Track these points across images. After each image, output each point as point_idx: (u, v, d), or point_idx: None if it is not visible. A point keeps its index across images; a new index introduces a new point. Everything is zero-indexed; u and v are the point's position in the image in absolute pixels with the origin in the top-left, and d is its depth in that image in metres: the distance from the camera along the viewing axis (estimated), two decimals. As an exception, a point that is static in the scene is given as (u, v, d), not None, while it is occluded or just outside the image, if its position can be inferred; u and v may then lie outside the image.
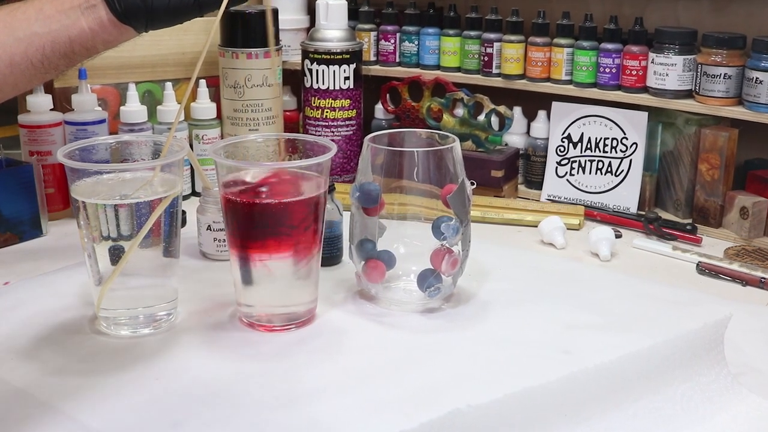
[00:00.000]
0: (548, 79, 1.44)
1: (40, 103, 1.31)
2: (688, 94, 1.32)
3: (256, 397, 0.83)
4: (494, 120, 1.45)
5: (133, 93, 1.38)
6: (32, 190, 1.24)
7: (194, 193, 1.45)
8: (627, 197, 1.39)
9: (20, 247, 1.22)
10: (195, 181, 1.45)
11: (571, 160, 1.43)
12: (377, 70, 1.58)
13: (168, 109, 1.41)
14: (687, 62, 1.30)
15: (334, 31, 1.45)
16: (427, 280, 0.99)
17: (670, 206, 1.39)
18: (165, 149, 0.95)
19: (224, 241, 1.15)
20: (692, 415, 0.81)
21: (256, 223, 0.94)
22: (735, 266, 1.15)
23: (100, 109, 1.39)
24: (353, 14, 1.57)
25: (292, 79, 1.60)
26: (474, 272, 1.10)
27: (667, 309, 1.03)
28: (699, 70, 1.29)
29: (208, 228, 1.16)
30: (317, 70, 1.44)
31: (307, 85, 1.48)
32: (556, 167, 1.45)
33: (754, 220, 1.26)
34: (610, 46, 1.37)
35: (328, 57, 1.44)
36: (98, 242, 0.93)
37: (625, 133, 1.38)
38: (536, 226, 1.28)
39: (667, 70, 1.31)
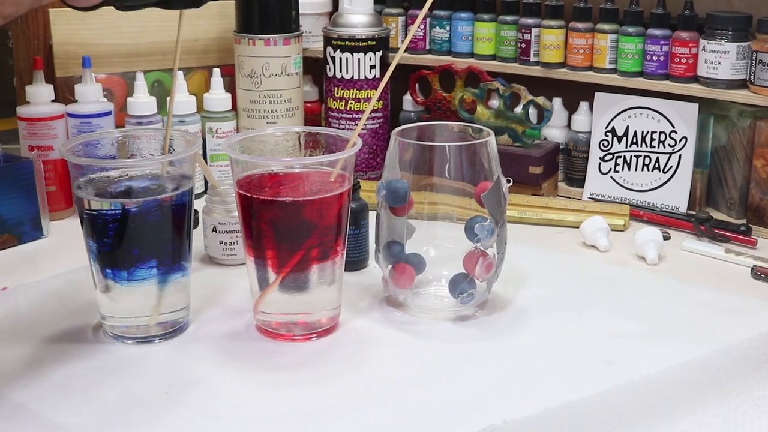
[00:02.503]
0: (591, 68, 1.44)
1: (41, 94, 1.32)
2: (742, 84, 1.32)
3: (274, 411, 0.84)
4: (532, 112, 1.45)
5: (141, 83, 1.39)
6: (32, 188, 1.24)
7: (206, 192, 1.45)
8: (676, 196, 1.39)
9: (19, 249, 1.23)
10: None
11: (616, 155, 1.43)
12: (406, 57, 1.57)
13: (179, 100, 1.41)
14: (741, 50, 1.30)
15: (358, 16, 1.45)
16: (460, 285, 0.99)
17: (723, 205, 1.38)
18: (165, 144, 0.95)
19: (231, 244, 1.16)
20: (746, 432, 0.81)
21: (274, 223, 0.94)
22: (794, 271, 1.14)
23: (105, 100, 1.39)
24: (379, -2, 1.57)
25: (314, 68, 1.61)
26: (510, 277, 1.10)
27: (719, 316, 1.03)
28: (754, 58, 1.28)
29: (214, 230, 1.17)
30: (341, 58, 1.45)
31: (330, 74, 1.48)
32: (600, 163, 1.45)
33: (815, 220, 1.26)
34: (657, 32, 1.37)
35: (353, 44, 1.45)
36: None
37: (673, 127, 1.38)
38: (578, 227, 1.28)
39: (720, 58, 1.31)
